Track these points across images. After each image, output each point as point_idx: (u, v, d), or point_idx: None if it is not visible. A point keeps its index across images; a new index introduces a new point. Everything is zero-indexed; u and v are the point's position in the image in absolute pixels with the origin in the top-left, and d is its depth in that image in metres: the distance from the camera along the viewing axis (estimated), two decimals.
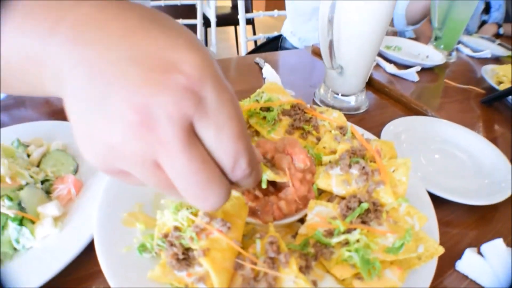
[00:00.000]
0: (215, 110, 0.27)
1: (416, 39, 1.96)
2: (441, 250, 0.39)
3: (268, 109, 0.53)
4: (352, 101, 0.77)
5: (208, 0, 2.68)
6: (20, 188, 0.51)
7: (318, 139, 0.52)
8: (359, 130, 0.59)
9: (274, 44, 2.04)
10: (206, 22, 2.44)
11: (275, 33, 2.23)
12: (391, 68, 1.03)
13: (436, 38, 1.34)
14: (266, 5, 6.38)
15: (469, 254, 0.44)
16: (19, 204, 0.49)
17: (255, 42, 3.58)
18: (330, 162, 0.46)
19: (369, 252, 0.36)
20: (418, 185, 0.51)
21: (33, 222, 0.48)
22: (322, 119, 0.54)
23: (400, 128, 0.69)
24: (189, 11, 2.56)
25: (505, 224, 0.56)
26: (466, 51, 1.46)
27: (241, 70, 1.01)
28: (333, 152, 0.48)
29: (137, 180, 0.28)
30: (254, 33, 4.12)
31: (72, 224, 0.48)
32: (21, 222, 0.47)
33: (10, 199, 0.48)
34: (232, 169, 0.29)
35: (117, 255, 0.38)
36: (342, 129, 0.52)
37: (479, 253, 0.45)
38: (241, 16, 2.18)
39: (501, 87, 1.02)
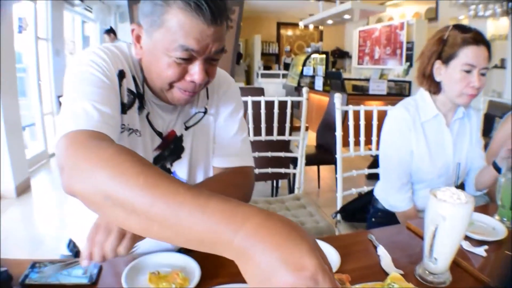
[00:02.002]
0: (323, 284, 0.52)
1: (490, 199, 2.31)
2: None
3: None
4: (441, 278, 1.24)
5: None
6: None
7: None
8: None
9: (366, 198, 2.43)
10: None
11: (364, 188, 2.67)
12: (467, 246, 1.49)
13: (500, 212, 1.76)
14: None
15: None
16: None
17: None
18: None
19: None
20: None
21: None
22: None
23: None
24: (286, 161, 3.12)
25: None
26: None
27: (357, 246, 1.48)
28: None
29: None
30: None
31: None
32: None
33: None
34: None
35: None
36: None
37: None
38: (339, 175, 2.65)
39: None
